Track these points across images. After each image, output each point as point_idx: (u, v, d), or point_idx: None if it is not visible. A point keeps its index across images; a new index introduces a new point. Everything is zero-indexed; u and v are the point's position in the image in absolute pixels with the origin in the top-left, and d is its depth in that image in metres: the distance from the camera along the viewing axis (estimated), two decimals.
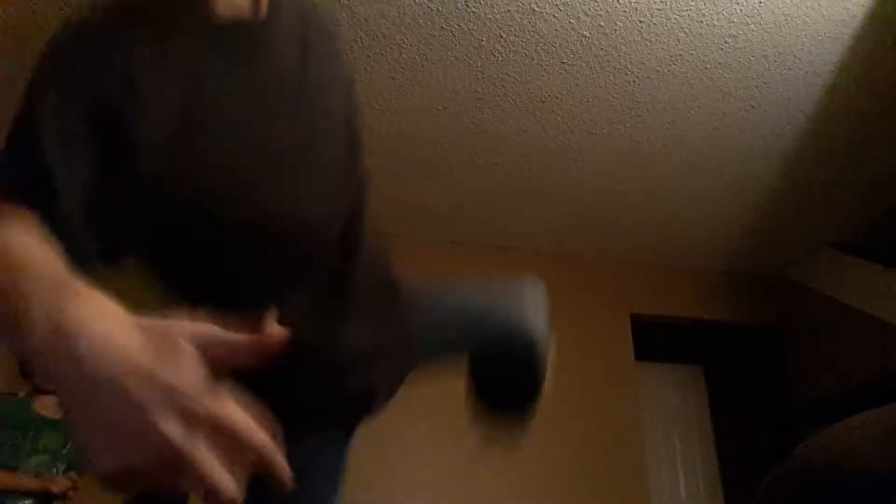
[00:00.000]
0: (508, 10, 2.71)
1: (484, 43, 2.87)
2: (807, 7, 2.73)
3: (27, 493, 2.65)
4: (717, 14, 2.76)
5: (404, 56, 2.93)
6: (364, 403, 0.92)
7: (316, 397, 0.85)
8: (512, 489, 3.90)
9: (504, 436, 1.28)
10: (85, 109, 0.65)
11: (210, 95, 0.73)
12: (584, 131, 3.44)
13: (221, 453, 0.39)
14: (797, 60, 3.00)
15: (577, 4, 2.69)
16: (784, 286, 4.80)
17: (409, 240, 4.44)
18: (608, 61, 2.98)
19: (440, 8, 2.69)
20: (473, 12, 2.71)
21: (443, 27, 2.78)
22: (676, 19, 2.77)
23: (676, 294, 4.76)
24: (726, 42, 2.89)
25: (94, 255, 0.62)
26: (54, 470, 2.74)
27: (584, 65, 3.00)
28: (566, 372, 4.30)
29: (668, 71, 3.04)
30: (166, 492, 0.40)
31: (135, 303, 0.50)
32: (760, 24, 2.81)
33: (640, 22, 2.78)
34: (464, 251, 4.50)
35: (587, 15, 2.74)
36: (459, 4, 2.67)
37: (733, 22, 2.79)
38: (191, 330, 0.43)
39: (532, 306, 1.21)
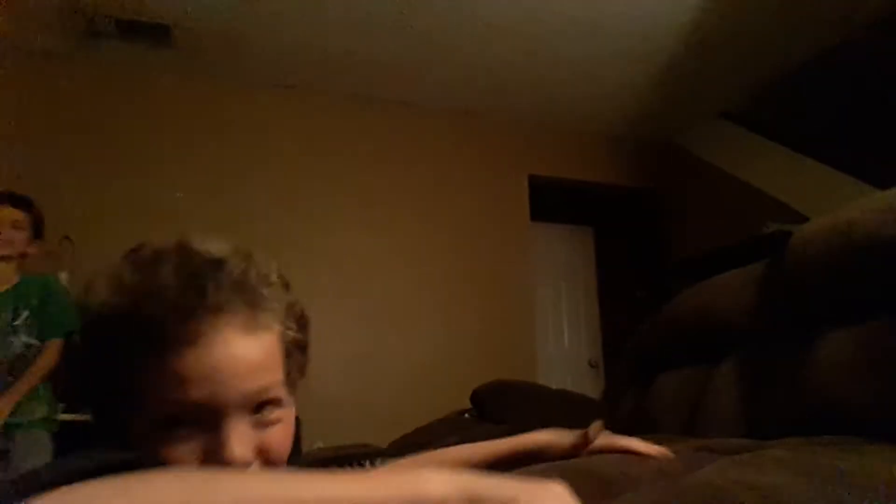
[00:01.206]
0: None
1: None
2: None
3: None
4: None
5: None
6: None
7: None
8: (410, 337, 4.09)
9: None
10: None
11: None
12: None
13: None
14: None
15: None
16: (672, 153, 5.01)
17: (309, 90, 4.27)
18: None
19: None
20: None
21: None
22: None
23: (572, 157, 4.89)
24: None
25: None
26: None
27: None
28: (466, 227, 4.46)
29: None
30: None
31: None
32: None
33: None
34: (366, 105, 4.39)
35: None
36: None
37: None
38: None
39: None
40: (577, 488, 0.47)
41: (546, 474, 0.76)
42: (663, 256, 4.98)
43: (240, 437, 0.61)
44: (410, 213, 4.34)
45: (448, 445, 0.94)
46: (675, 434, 1.46)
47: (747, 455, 0.78)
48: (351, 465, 0.84)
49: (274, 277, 0.67)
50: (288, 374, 0.67)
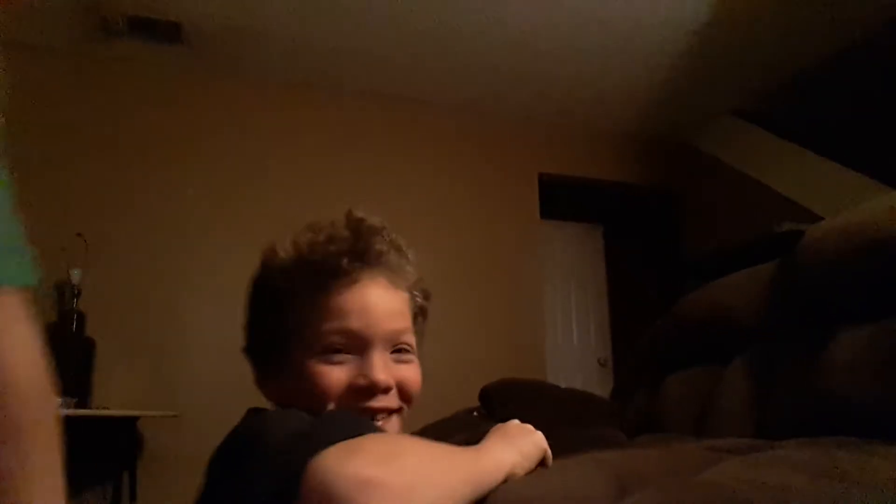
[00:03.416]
0: None
1: None
2: None
3: None
4: None
5: None
6: None
7: None
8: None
9: None
10: None
11: None
12: None
13: None
14: None
15: None
16: (684, 151, 4.99)
17: (319, 87, 4.28)
18: None
19: None
20: None
21: None
22: None
23: (581, 155, 4.87)
24: None
25: None
26: None
27: None
28: (476, 226, 4.45)
29: None
30: None
31: None
32: None
33: None
34: (377, 103, 4.40)
35: None
36: None
37: None
38: None
39: None
40: (590, 485, 0.47)
41: (569, 463, 0.76)
42: (674, 255, 4.95)
43: (384, 365, 0.77)
44: (420, 211, 4.34)
45: (456, 444, 0.95)
46: (685, 433, 1.45)
47: (757, 455, 0.78)
48: None
49: (410, 254, 0.85)
50: (418, 333, 0.84)
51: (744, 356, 1.45)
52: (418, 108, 4.48)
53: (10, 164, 0.64)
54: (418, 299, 0.86)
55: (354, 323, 0.77)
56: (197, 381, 3.66)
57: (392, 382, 0.78)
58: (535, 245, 4.61)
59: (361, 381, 0.76)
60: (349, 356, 0.77)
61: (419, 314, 0.87)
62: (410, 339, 0.82)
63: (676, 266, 4.78)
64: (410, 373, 0.81)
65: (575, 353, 5.07)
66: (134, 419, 3.35)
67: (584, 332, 5.17)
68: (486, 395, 2.65)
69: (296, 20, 3.59)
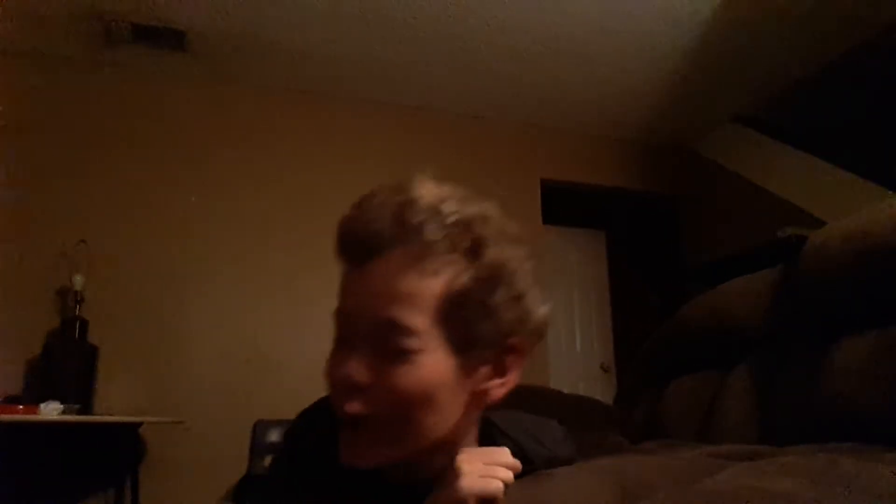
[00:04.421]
0: None
1: None
2: None
3: None
4: None
5: None
6: None
7: None
8: None
9: None
10: None
11: None
12: None
13: None
14: None
15: None
16: (686, 157, 4.99)
17: (322, 94, 4.29)
18: None
19: None
20: None
21: None
22: None
23: (584, 161, 4.87)
24: None
25: None
26: None
27: None
28: None
29: None
30: None
31: None
32: None
33: None
34: (379, 110, 4.41)
35: None
36: None
37: None
38: None
39: None
40: (594, 493, 0.47)
41: (573, 470, 0.76)
42: (676, 260, 4.95)
43: (358, 356, 0.64)
44: None
45: None
46: (688, 439, 1.45)
47: (762, 461, 0.78)
48: None
49: (452, 221, 0.66)
50: (449, 327, 0.65)
51: (747, 362, 1.45)
52: (421, 116, 4.49)
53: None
54: (463, 282, 0.65)
55: (341, 305, 0.68)
56: (199, 388, 3.66)
57: (357, 379, 0.64)
58: (538, 251, 4.60)
59: (332, 373, 0.66)
60: (343, 344, 0.67)
61: (466, 304, 0.65)
62: (411, 334, 0.64)
63: (679, 271, 4.78)
64: (398, 375, 0.63)
65: (578, 359, 5.06)
66: (136, 425, 3.35)
67: (586, 337, 5.16)
68: None
69: (299, 28, 3.60)
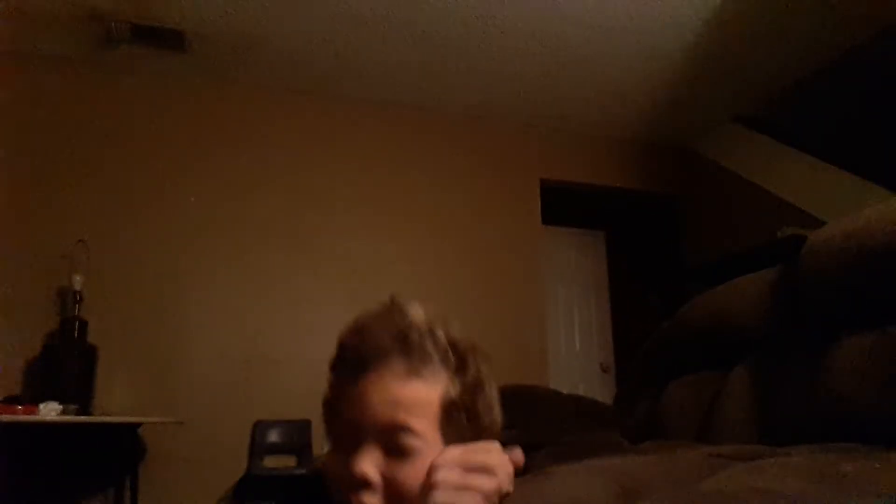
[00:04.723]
0: None
1: None
2: None
3: None
4: None
5: None
6: None
7: None
8: None
9: None
10: None
11: None
12: None
13: None
14: None
15: None
16: (686, 157, 4.99)
17: (321, 94, 4.29)
18: None
19: None
20: None
21: None
22: None
23: (583, 161, 4.88)
24: None
25: None
26: None
27: None
28: (478, 232, 4.45)
29: None
30: None
31: None
32: None
33: None
34: (378, 109, 4.40)
35: None
36: None
37: None
38: None
39: None
40: (592, 493, 0.47)
41: (572, 470, 0.75)
42: (676, 261, 4.95)
43: (369, 457, 0.72)
44: (422, 218, 4.34)
45: None
46: (688, 439, 1.45)
47: (762, 462, 0.78)
48: None
49: (444, 340, 0.79)
50: (445, 430, 0.76)
51: (747, 362, 1.45)
52: (421, 115, 4.49)
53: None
54: (453, 394, 0.77)
55: (348, 413, 0.75)
56: (198, 388, 3.66)
57: (371, 477, 0.71)
58: (537, 251, 4.61)
59: (344, 473, 0.73)
60: (349, 448, 0.74)
61: (456, 412, 0.77)
62: (414, 434, 0.73)
63: (679, 271, 4.78)
64: (405, 472, 0.72)
65: (577, 359, 5.06)
66: (136, 425, 3.35)
67: (586, 337, 5.17)
68: None
69: (299, 28, 3.60)
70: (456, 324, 0.84)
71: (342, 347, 0.81)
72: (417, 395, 0.75)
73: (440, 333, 0.79)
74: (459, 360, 0.79)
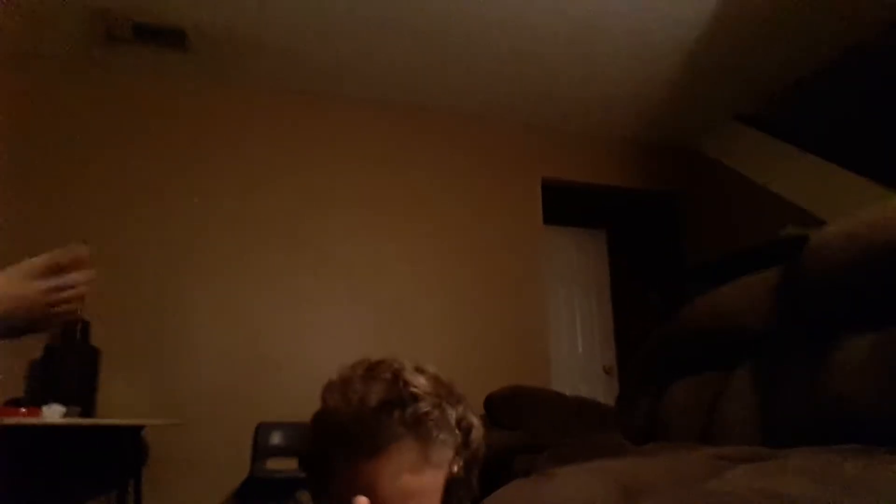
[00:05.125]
0: None
1: None
2: None
3: None
4: None
5: None
6: None
7: None
8: (424, 343, 4.08)
9: None
10: None
11: None
12: None
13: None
14: None
15: None
16: (687, 156, 4.99)
17: (322, 94, 4.29)
18: None
19: None
20: None
21: None
22: None
23: (584, 160, 4.87)
24: None
25: None
26: None
27: None
28: (479, 232, 4.45)
29: None
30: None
31: None
32: None
33: None
34: (379, 110, 4.40)
35: None
36: None
37: None
38: None
39: None
40: (595, 494, 0.47)
41: (575, 471, 0.76)
42: (678, 260, 4.94)
43: None
44: (423, 218, 4.34)
45: None
46: (691, 440, 1.45)
47: (765, 463, 0.78)
48: None
49: (453, 421, 0.80)
50: (448, 499, 0.81)
51: (749, 362, 1.45)
52: (422, 115, 4.49)
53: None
54: (457, 469, 0.82)
55: (353, 491, 0.76)
56: (201, 390, 3.66)
57: None
58: (538, 251, 4.61)
59: None
60: None
61: (456, 485, 0.82)
62: None
63: (680, 271, 4.77)
64: None
65: (580, 361, 5.05)
66: (139, 428, 3.35)
67: (588, 339, 5.16)
68: (491, 402, 2.64)
69: (299, 28, 3.60)
70: (431, 366, 0.86)
71: (340, 424, 0.79)
72: (427, 484, 0.78)
73: (450, 412, 0.80)
74: (464, 434, 0.82)
